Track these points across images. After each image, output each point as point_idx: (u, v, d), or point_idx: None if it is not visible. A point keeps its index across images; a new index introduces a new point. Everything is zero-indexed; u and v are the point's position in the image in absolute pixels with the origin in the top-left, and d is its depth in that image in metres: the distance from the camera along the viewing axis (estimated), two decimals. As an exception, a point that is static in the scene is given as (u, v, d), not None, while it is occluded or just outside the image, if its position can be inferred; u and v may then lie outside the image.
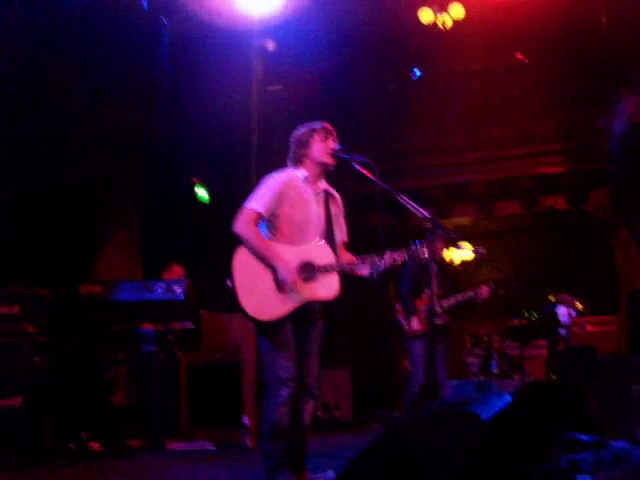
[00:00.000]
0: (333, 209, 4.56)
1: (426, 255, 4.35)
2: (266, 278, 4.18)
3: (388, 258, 4.35)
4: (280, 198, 4.31)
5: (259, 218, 4.26)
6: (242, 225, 4.22)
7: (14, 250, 6.65)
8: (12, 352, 5.67)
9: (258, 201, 4.28)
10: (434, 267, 6.85)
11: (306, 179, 4.43)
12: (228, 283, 4.15)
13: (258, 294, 4.14)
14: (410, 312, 7.04)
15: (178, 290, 6.22)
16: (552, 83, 9.18)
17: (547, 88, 9.26)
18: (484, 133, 10.02)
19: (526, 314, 11.19)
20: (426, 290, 6.89)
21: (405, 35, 8.28)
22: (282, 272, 4.16)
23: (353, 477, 2.87)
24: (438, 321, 6.88)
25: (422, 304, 6.97)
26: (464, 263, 12.07)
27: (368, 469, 2.81)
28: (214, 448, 6.37)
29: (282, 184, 4.35)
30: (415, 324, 7.01)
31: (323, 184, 4.54)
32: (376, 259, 4.36)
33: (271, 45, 7.61)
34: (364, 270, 4.39)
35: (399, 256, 4.37)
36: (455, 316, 7.12)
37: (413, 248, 4.40)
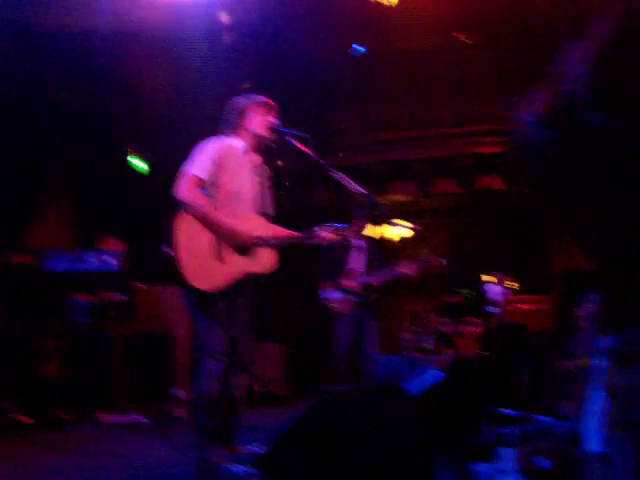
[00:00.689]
0: (265, 182, 4.55)
1: (352, 235, 4.44)
2: (207, 247, 4.13)
3: (321, 234, 4.41)
4: (220, 166, 4.25)
5: (201, 184, 4.18)
6: (186, 190, 4.11)
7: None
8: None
9: (199, 167, 4.16)
10: (363, 245, 7.01)
11: (243, 149, 4.40)
12: (168, 251, 4.06)
13: (199, 263, 4.07)
14: (335, 290, 7.10)
15: (113, 261, 6.15)
16: (493, 64, 9.29)
17: (488, 69, 9.37)
18: (425, 111, 10.08)
19: (461, 292, 11.38)
20: (351, 268, 6.99)
21: (349, 11, 8.25)
22: (238, 234, 4.16)
23: (280, 451, 2.89)
24: (363, 298, 6.94)
25: (347, 282, 7.03)
26: (402, 240, 12.21)
27: (295, 443, 2.84)
28: (146, 420, 6.34)
29: (222, 152, 4.28)
30: (339, 302, 7.06)
31: (258, 157, 4.52)
32: (310, 234, 4.41)
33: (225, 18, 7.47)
34: (295, 240, 4.45)
35: (329, 234, 4.43)
36: (386, 293, 7.17)
37: (341, 227, 4.48)
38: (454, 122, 10.15)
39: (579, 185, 1.07)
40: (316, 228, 4.48)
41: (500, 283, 11.26)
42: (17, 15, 6.31)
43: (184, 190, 4.12)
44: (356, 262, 7.05)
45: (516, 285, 11.41)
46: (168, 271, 4.06)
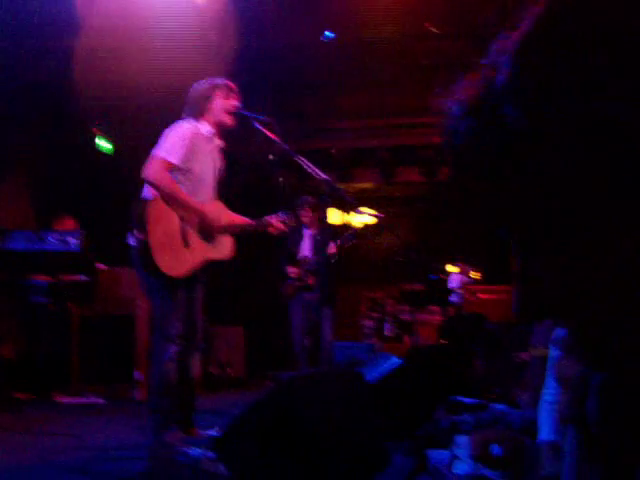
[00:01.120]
0: (220, 166, 4.56)
1: (294, 222, 4.55)
2: (176, 232, 4.13)
3: (272, 221, 4.50)
4: (190, 150, 4.23)
5: (172, 168, 4.15)
6: (156, 174, 4.06)
7: None
8: None
9: (171, 151, 4.12)
10: (311, 232, 7.20)
11: (209, 133, 4.39)
12: (137, 235, 4.03)
13: (171, 249, 4.07)
14: (284, 277, 7.24)
15: (72, 241, 6.08)
16: (460, 53, 9.32)
17: (455, 58, 9.40)
18: (390, 100, 10.10)
19: (420, 280, 11.47)
20: (298, 255, 7.23)
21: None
22: (210, 219, 4.17)
23: (237, 434, 2.90)
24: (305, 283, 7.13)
25: (294, 269, 7.20)
26: (365, 227, 12.28)
27: (252, 426, 2.85)
28: (104, 402, 6.32)
29: (193, 136, 4.26)
30: (287, 288, 7.19)
31: (219, 141, 4.51)
32: (260, 221, 4.51)
33: None
34: (249, 228, 4.54)
35: (279, 223, 4.52)
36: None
37: (283, 215, 4.55)
38: (419, 111, 10.18)
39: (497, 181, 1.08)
40: (267, 216, 4.56)
41: (462, 272, 11.41)
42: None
43: (153, 172, 4.09)
44: (305, 249, 7.25)
45: (478, 275, 11.57)
46: (139, 256, 4.04)
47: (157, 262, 4.01)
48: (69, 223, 7.26)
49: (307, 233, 7.35)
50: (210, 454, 3.74)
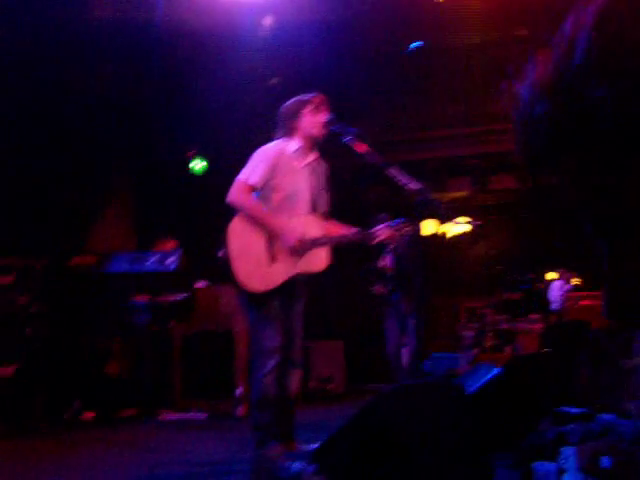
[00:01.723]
0: (321, 179, 4.56)
1: (408, 231, 4.47)
2: (260, 249, 4.18)
3: (379, 232, 4.44)
4: (272, 170, 4.29)
5: (252, 190, 4.24)
6: (236, 196, 4.18)
7: (10, 222, 6.64)
8: (5, 322, 5.67)
9: (251, 173, 4.23)
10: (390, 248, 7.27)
11: (297, 151, 4.42)
12: (221, 253, 4.13)
13: (251, 265, 4.13)
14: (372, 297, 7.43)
15: (170, 261, 6.22)
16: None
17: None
18: (481, 107, 9.96)
19: (520, 289, 11.24)
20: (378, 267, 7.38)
21: (404, 7, 8.21)
22: (286, 235, 4.19)
23: (335, 447, 2.89)
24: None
25: (380, 287, 7.40)
26: (460, 236, 12.13)
27: (349, 440, 2.83)
28: (206, 418, 6.42)
29: (274, 156, 4.32)
30: (377, 289, 7.34)
31: (313, 155, 4.53)
32: (367, 233, 4.44)
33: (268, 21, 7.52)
34: (352, 239, 4.47)
35: (386, 232, 4.45)
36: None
37: (396, 224, 4.49)
38: (509, 118, 10.01)
39: (580, 158, 1.02)
40: (375, 226, 4.51)
41: (562, 279, 11.11)
42: (74, 14, 6.44)
43: (235, 195, 4.19)
44: (384, 262, 7.31)
45: (578, 281, 11.24)
46: (223, 273, 4.12)
47: (237, 277, 4.07)
48: (171, 244, 7.44)
49: (386, 249, 7.43)
50: (310, 468, 3.74)
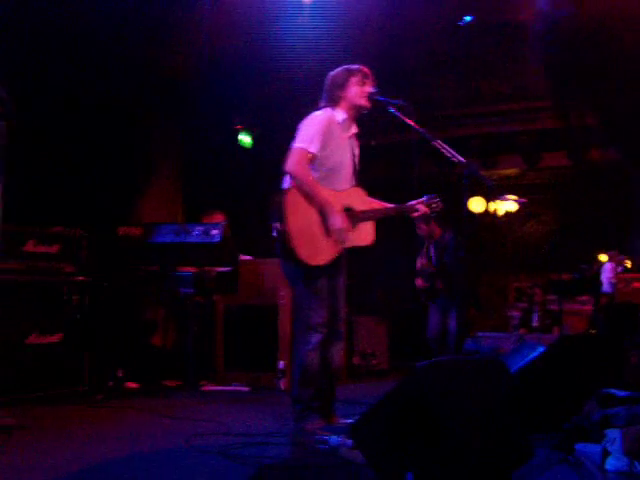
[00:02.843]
0: (356, 153, 4.52)
1: (439, 206, 4.48)
2: (316, 222, 4.13)
3: (417, 206, 4.44)
4: (327, 139, 4.24)
5: (312, 158, 4.18)
6: (296, 165, 4.12)
7: (56, 192, 6.71)
8: (52, 290, 5.75)
9: (310, 141, 4.16)
10: (430, 244, 7.24)
11: (343, 121, 4.37)
12: (277, 226, 4.07)
13: (310, 238, 4.09)
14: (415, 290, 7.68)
15: (215, 233, 6.21)
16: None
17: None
18: (533, 82, 9.75)
19: (569, 269, 11.05)
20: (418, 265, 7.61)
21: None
22: (334, 220, 4.13)
23: (371, 422, 2.85)
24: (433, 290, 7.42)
25: (420, 281, 7.56)
26: (507, 214, 11.96)
27: (388, 413, 2.79)
28: (248, 390, 6.44)
29: (328, 125, 4.27)
30: (419, 282, 7.53)
31: (355, 128, 4.47)
32: (403, 206, 4.44)
33: None
34: (391, 212, 4.47)
35: (423, 206, 4.44)
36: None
37: (426, 198, 4.47)
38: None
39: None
40: (411, 202, 4.50)
41: (613, 261, 10.88)
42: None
43: (294, 164, 4.13)
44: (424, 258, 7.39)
45: (629, 263, 11.00)
46: (281, 247, 4.08)
47: (297, 251, 4.02)
48: (218, 217, 7.44)
49: (427, 244, 7.61)
50: (349, 442, 3.72)
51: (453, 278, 7.03)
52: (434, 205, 4.54)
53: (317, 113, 4.33)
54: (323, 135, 4.20)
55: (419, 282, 7.52)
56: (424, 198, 4.55)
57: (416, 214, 4.51)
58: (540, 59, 7.86)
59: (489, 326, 10.49)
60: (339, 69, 4.44)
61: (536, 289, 11.16)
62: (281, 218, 4.05)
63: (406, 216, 4.58)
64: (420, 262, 7.55)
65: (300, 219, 4.07)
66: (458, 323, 6.73)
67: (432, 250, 7.46)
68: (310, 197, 4.11)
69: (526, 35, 8.65)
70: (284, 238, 4.03)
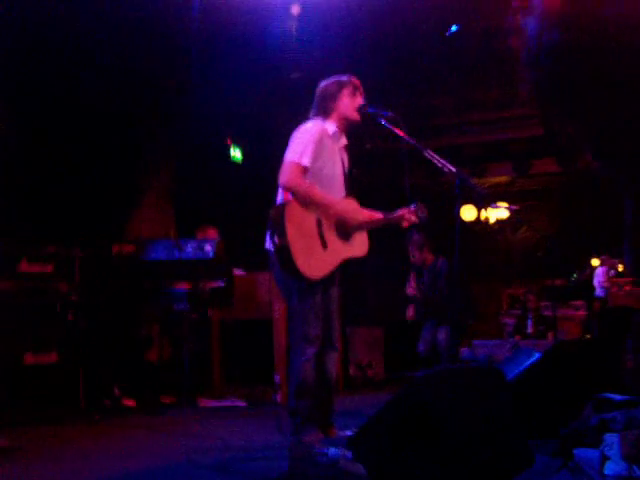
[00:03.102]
0: (346, 164, 4.54)
1: (425, 214, 4.45)
2: (314, 235, 4.13)
3: (406, 215, 4.43)
4: (319, 151, 4.24)
5: (305, 171, 4.17)
6: (292, 179, 4.09)
7: (49, 211, 6.71)
8: (46, 310, 5.74)
9: (301, 154, 4.13)
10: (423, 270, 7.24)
11: (334, 133, 4.39)
12: (276, 240, 4.05)
13: (309, 252, 4.07)
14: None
15: (208, 248, 6.22)
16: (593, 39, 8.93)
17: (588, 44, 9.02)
18: (521, 90, 9.81)
19: (562, 275, 11.11)
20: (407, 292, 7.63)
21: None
22: (351, 215, 4.20)
23: (370, 433, 2.86)
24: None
25: (411, 311, 7.68)
26: (498, 222, 12.01)
27: (388, 423, 2.80)
28: (245, 405, 6.44)
29: (319, 137, 4.27)
30: (410, 313, 7.66)
31: (344, 139, 4.49)
32: (394, 215, 4.44)
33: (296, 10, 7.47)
34: (383, 222, 4.46)
35: (412, 215, 4.44)
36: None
37: (413, 207, 4.45)
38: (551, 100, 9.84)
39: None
40: (399, 210, 4.49)
41: (605, 265, 10.93)
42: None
43: (289, 178, 4.11)
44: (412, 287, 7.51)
45: (621, 266, 11.06)
46: (279, 261, 4.07)
47: (298, 266, 4.00)
48: (211, 232, 7.44)
49: (420, 271, 7.68)
50: (348, 454, 3.72)
51: (447, 304, 7.10)
52: (420, 213, 4.52)
53: (308, 125, 4.33)
54: (315, 147, 4.20)
55: (410, 313, 7.61)
56: (412, 206, 4.52)
57: (405, 224, 4.49)
58: (531, 79, 7.96)
59: (483, 333, 10.52)
60: (330, 80, 4.45)
61: (529, 295, 11.21)
62: (280, 232, 4.02)
63: (394, 226, 4.56)
64: (410, 289, 7.58)
65: (300, 233, 4.07)
66: (450, 340, 6.80)
67: (425, 277, 7.53)
68: (312, 202, 4.11)
69: (514, 50, 8.73)
70: (284, 252, 4.01)
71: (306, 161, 4.14)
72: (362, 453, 3.03)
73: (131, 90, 7.57)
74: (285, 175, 4.12)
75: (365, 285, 8.67)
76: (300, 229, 4.07)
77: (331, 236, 4.21)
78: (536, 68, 7.57)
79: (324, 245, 4.15)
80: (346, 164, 4.53)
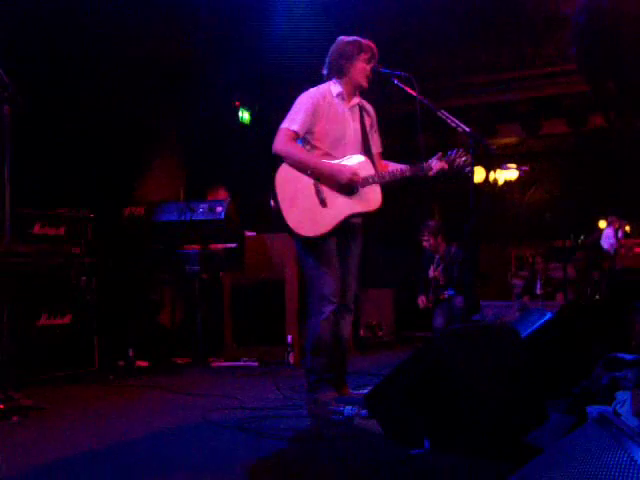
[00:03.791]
0: (367, 121, 4.52)
1: (464, 160, 4.34)
2: (309, 194, 4.18)
3: (432, 163, 4.35)
4: (315, 115, 4.27)
5: (296, 137, 4.24)
6: (281, 144, 4.19)
7: (59, 174, 6.71)
8: (60, 272, 5.77)
9: (293, 120, 4.24)
10: (437, 256, 7.76)
11: (339, 94, 4.38)
12: (272, 202, 4.13)
13: (302, 210, 4.13)
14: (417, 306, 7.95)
15: (219, 209, 6.25)
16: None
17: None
18: (530, 50, 9.72)
19: (572, 236, 11.09)
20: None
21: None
22: (338, 173, 4.19)
23: (387, 391, 2.89)
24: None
25: (423, 298, 7.94)
26: (507, 183, 11.96)
27: (400, 386, 2.84)
28: (257, 365, 6.50)
29: (316, 101, 4.30)
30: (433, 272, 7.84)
31: (356, 99, 4.48)
32: (419, 165, 4.36)
33: None
34: (407, 173, 4.37)
35: (439, 163, 4.35)
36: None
37: (451, 154, 4.38)
38: (561, 60, 9.75)
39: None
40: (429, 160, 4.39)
41: (613, 226, 10.91)
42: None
43: (279, 144, 4.20)
44: (432, 271, 7.82)
45: (629, 227, 11.04)
46: (274, 222, 4.13)
47: (290, 225, 4.08)
48: (222, 193, 7.45)
49: (434, 257, 7.88)
50: (363, 412, 3.77)
51: (463, 290, 7.22)
52: (459, 160, 4.40)
53: (308, 92, 4.37)
54: (309, 113, 4.24)
55: (422, 299, 7.77)
56: (439, 154, 4.40)
57: (431, 172, 4.37)
58: (578, 44, 7.91)
59: (491, 294, 10.55)
60: (350, 39, 4.40)
61: (537, 257, 11.21)
62: (273, 195, 4.12)
63: (423, 177, 4.43)
64: (432, 272, 7.77)
65: (290, 193, 4.14)
66: (465, 304, 6.88)
67: (437, 264, 7.76)
68: (302, 167, 4.16)
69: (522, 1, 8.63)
70: (277, 214, 4.10)
71: (296, 126, 4.20)
72: (378, 411, 3.07)
73: (139, 57, 7.54)
74: (276, 141, 4.20)
75: (374, 246, 8.67)
76: (292, 190, 4.14)
77: (332, 194, 4.22)
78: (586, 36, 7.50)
79: (322, 203, 4.18)
80: (367, 122, 4.49)
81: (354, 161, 4.33)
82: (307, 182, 4.19)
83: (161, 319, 7.06)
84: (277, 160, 4.25)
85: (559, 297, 10.01)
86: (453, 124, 4.08)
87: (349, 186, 4.25)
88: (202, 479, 2.93)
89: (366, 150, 4.42)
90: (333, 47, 4.44)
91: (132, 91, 7.57)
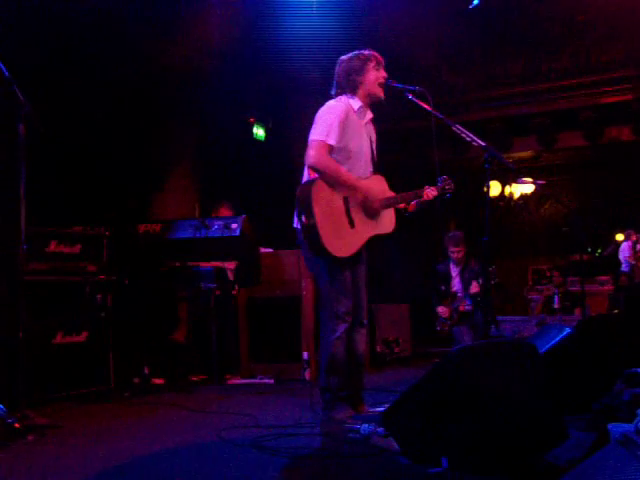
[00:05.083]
0: (374, 137, 4.52)
1: (452, 187, 4.47)
2: (340, 213, 4.15)
3: (426, 191, 4.41)
4: (344, 129, 4.23)
5: (331, 150, 4.17)
6: (318, 157, 4.11)
7: (74, 192, 6.73)
8: (75, 290, 5.77)
9: (327, 133, 4.14)
10: (459, 269, 7.86)
11: (360, 109, 4.36)
12: (304, 219, 4.05)
13: (335, 229, 4.08)
14: (436, 317, 8.19)
15: (235, 226, 6.23)
16: (617, 7, 8.77)
17: (612, 12, 8.85)
18: (545, 63, 9.69)
19: (590, 250, 11.03)
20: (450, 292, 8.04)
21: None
22: (372, 195, 4.22)
23: (403, 408, 2.85)
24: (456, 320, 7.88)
25: (444, 308, 8.09)
26: (522, 197, 11.91)
27: (417, 403, 2.80)
28: (273, 382, 6.46)
29: (345, 115, 4.25)
30: (442, 327, 8.02)
31: (370, 114, 4.47)
32: (417, 192, 4.43)
33: None
34: (408, 198, 4.45)
35: (432, 191, 4.42)
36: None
37: (441, 180, 4.45)
38: (577, 72, 9.72)
39: None
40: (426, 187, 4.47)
41: (629, 239, 10.84)
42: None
43: (316, 157, 4.12)
44: (455, 285, 7.96)
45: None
46: (307, 240, 4.07)
47: (325, 245, 4.01)
48: (225, 210, 7.44)
49: (455, 270, 7.98)
50: (380, 430, 3.73)
51: (484, 305, 7.19)
52: (447, 187, 4.51)
53: (332, 102, 4.32)
54: (340, 125, 4.19)
55: (444, 310, 7.87)
56: (438, 180, 4.52)
57: (423, 198, 4.45)
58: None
59: (509, 309, 10.49)
60: (351, 55, 4.40)
61: (555, 271, 11.15)
62: (308, 211, 4.02)
63: (424, 204, 4.54)
64: (452, 288, 7.90)
65: (328, 212, 4.07)
66: (483, 319, 6.85)
67: (460, 278, 7.87)
68: (338, 182, 4.12)
69: (536, 13, 8.61)
70: (311, 231, 4.01)
71: (332, 140, 4.14)
72: (395, 429, 3.03)
73: (156, 74, 7.57)
74: (312, 154, 4.12)
75: (391, 262, 8.64)
76: (327, 208, 4.07)
77: (358, 214, 4.21)
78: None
79: (351, 224, 4.15)
80: (373, 138, 4.51)
81: (376, 182, 4.35)
82: (339, 200, 4.16)
83: (176, 336, 7.04)
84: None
85: (577, 311, 9.92)
86: (468, 138, 4.06)
87: (373, 208, 4.25)
88: (217, 499, 2.90)
89: (375, 166, 4.43)
90: (337, 68, 4.43)
91: (147, 109, 7.60)
